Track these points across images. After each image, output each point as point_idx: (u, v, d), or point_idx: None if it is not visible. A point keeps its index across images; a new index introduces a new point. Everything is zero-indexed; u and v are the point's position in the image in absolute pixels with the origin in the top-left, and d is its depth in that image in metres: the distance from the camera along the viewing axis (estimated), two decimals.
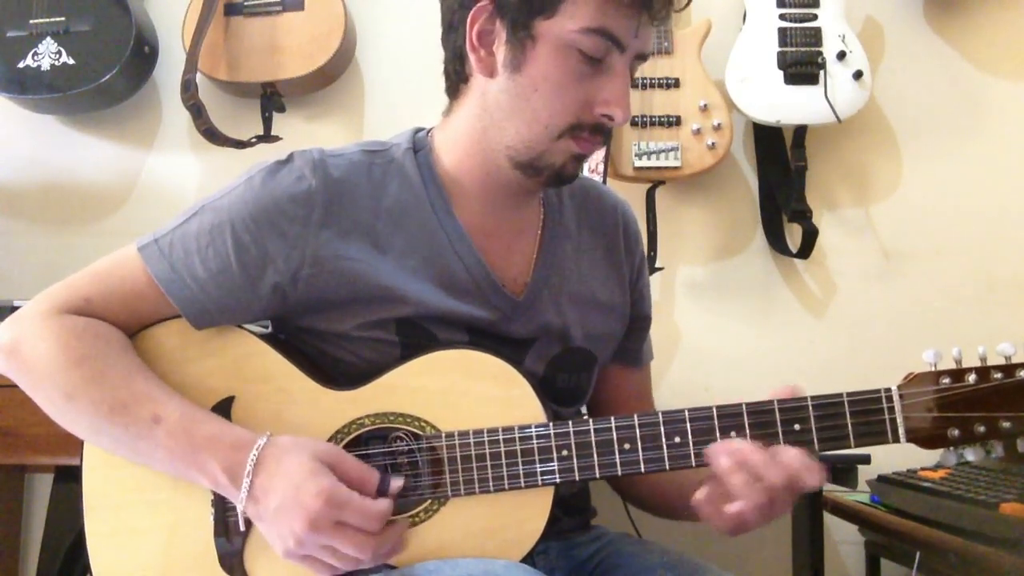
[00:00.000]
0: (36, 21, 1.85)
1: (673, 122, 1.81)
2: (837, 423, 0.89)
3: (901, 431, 0.89)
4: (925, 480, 1.26)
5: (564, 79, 0.93)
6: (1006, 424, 0.87)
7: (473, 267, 1.00)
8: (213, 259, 0.95)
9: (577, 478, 0.92)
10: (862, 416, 0.89)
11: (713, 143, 1.81)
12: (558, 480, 0.92)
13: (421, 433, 0.94)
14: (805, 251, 1.87)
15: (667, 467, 0.91)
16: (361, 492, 0.87)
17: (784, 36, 1.82)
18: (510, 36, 0.94)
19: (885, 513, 1.30)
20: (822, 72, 1.78)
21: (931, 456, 0.97)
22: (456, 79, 1.01)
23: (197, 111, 1.81)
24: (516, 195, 1.03)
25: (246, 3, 1.87)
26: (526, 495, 0.92)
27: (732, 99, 1.82)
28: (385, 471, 0.92)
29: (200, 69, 1.83)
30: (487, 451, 0.92)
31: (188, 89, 1.80)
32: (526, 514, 0.92)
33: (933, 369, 0.89)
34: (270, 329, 1.05)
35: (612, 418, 0.92)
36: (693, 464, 0.90)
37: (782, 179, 1.90)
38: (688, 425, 0.90)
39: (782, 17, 1.83)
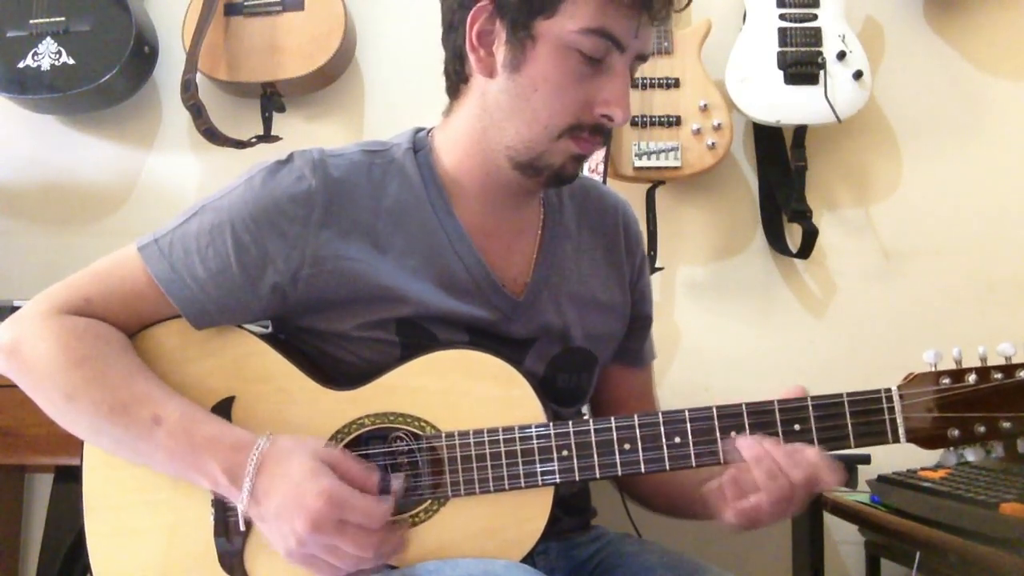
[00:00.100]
0: (36, 21, 1.85)
1: (673, 122, 1.81)
2: (837, 423, 0.89)
3: (901, 431, 0.89)
4: (925, 480, 1.26)
5: (564, 79, 0.93)
6: (1006, 424, 0.87)
7: (473, 267, 1.00)
8: (213, 259, 0.95)
9: (577, 478, 0.92)
10: (862, 416, 0.89)
11: (713, 143, 1.81)
12: (558, 480, 0.92)
13: (421, 433, 0.94)
14: (805, 251, 1.87)
15: (667, 467, 0.91)
16: (362, 492, 0.87)
17: (784, 36, 1.82)
18: (510, 36, 0.94)
19: (885, 513, 1.30)
20: (822, 72, 1.78)
21: (931, 456, 0.97)
22: (456, 79, 1.01)
23: (197, 111, 1.81)
24: (516, 195, 1.03)
25: (246, 3, 1.87)
26: (526, 495, 0.92)
27: (732, 99, 1.82)
28: (385, 471, 0.92)
29: (200, 69, 1.83)
30: (487, 451, 0.92)
31: (188, 89, 1.80)
32: (526, 514, 0.92)
33: (933, 369, 0.89)
34: (270, 329, 1.05)
35: (612, 418, 0.92)
36: (694, 464, 0.90)
37: (782, 179, 1.90)
38: (688, 425, 0.91)
39: (782, 17, 1.83)
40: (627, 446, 0.91)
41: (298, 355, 0.99)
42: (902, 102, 1.95)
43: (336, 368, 0.99)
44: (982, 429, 0.87)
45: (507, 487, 0.92)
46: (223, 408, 0.96)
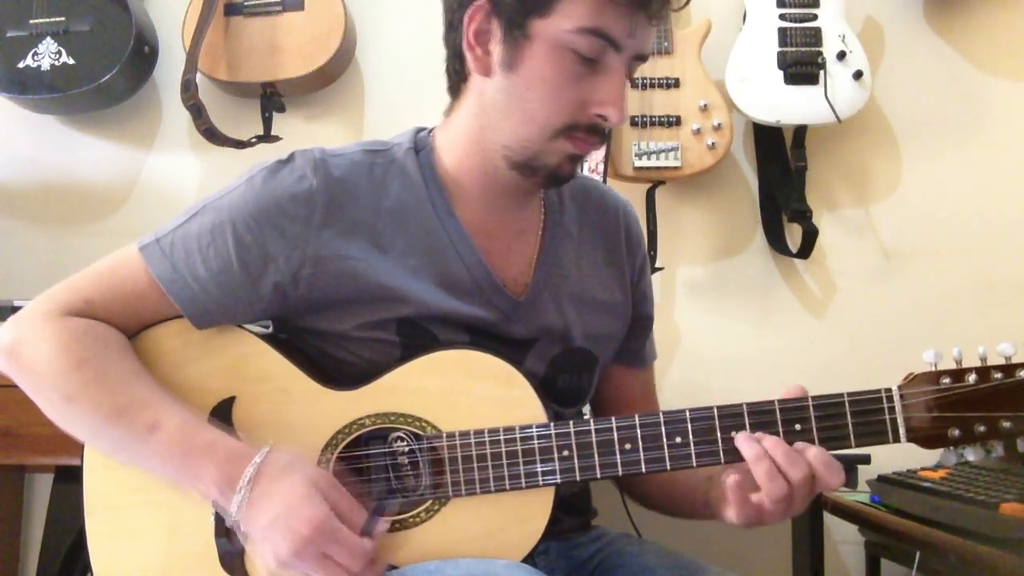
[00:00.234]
0: (36, 21, 1.85)
1: (673, 122, 1.81)
2: (837, 423, 0.89)
3: (901, 431, 0.89)
4: (925, 480, 1.26)
5: (559, 79, 0.92)
6: (1006, 424, 0.87)
7: (474, 267, 1.00)
8: (214, 259, 0.95)
9: (578, 478, 0.92)
10: (862, 416, 0.89)
11: (713, 143, 1.81)
12: (559, 480, 0.92)
13: (422, 433, 0.94)
14: (805, 251, 1.87)
15: (668, 467, 0.91)
16: (348, 526, 0.87)
17: (784, 36, 1.82)
18: (505, 35, 0.93)
19: (885, 513, 1.30)
20: (822, 72, 1.78)
21: (931, 456, 0.97)
22: (456, 78, 1.01)
23: (197, 111, 1.81)
24: (516, 195, 1.03)
25: (246, 3, 1.87)
26: (527, 495, 0.92)
27: (732, 99, 1.82)
28: (374, 512, 0.90)
29: (200, 69, 1.83)
30: (488, 451, 0.92)
31: (188, 89, 1.80)
32: (527, 514, 0.92)
33: (933, 369, 0.89)
34: (270, 329, 1.05)
35: (613, 418, 0.92)
36: (695, 464, 0.90)
37: (782, 179, 1.90)
38: (689, 425, 0.91)
39: (782, 17, 1.83)
40: (628, 446, 0.91)
41: (299, 355, 0.99)
42: (902, 102, 1.95)
43: (337, 368, 0.99)
44: (982, 429, 0.87)
45: (508, 487, 0.92)
46: (223, 408, 0.96)
